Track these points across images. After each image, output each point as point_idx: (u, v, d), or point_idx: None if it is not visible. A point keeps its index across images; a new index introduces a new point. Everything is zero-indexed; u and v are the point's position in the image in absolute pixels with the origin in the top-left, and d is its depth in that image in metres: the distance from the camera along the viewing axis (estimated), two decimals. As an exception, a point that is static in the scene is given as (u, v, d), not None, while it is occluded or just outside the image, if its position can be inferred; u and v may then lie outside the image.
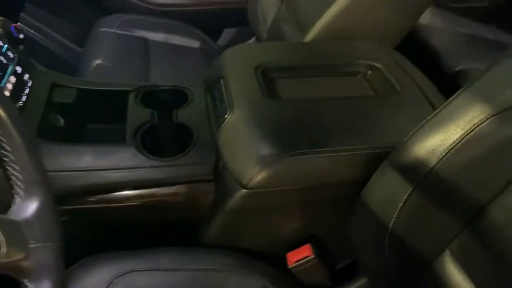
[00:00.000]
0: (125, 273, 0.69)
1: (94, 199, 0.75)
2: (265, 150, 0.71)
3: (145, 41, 1.42)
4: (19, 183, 0.45)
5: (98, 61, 1.24)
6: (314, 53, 0.97)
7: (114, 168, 0.75)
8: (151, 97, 0.91)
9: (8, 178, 0.45)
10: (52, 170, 0.66)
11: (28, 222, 0.44)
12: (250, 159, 0.72)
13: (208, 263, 0.74)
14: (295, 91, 0.85)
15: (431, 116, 0.65)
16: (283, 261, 0.80)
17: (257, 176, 0.70)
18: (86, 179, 0.73)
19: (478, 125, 0.58)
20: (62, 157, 0.74)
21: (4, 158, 0.45)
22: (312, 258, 0.78)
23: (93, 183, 0.74)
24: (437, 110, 0.64)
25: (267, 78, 0.86)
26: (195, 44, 1.46)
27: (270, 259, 0.79)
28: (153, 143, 0.80)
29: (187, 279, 0.72)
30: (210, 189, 0.78)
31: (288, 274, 0.79)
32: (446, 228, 0.64)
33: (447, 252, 0.65)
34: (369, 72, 0.91)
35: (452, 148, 0.60)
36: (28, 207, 0.44)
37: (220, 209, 0.76)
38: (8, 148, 0.44)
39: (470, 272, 0.62)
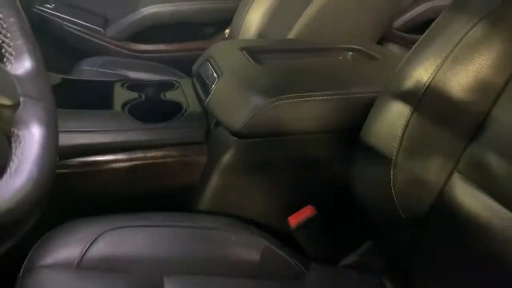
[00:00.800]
0: (115, 228, 0.63)
1: (83, 161, 0.70)
2: (254, 98, 0.70)
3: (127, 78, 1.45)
4: (9, 49, 0.42)
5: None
6: (297, 41, 1.01)
7: (103, 130, 0.72)
8: (137, 86, 0.90)
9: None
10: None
11: (19, 79, 0.41)
12: (241, 108, 0.70)
13: (206, 222, 0.69)
14: (281, 62, 0.87)
15: (418, 42, 0.67)
16: (284, 228, 0.75)
17: (249, 121, 0.68)
18: (74, 140, 0.70)
19: (466, 33, 0.61)
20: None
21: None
22: (315, 216, 0.73)
23: (81, 144, 0.70)
24: (422, 36, 0.66)
25: (253, 56, 0.88)
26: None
27: (270, 225, 0.74)
28: (141, 114, 0.78)
29: (183, 235, 0.65)
30: (202, 152, 0.75)
31: (290, 240, 0.74)
32: (452, 145, 0.62)
33: (455, 175, 0.62)
34: (350, 53, 0.94)
35: (444, 61, 0.61)
36: (20, 68, 0.42)
37: (215, 169, 0.72)
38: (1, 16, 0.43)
39: (482, 186, 0.59)
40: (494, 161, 0.58)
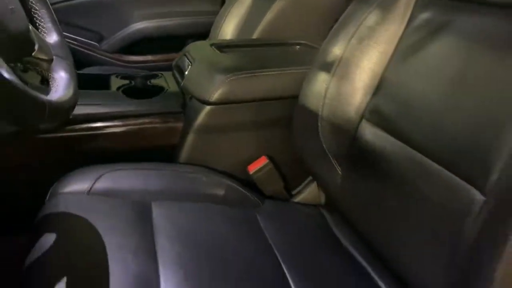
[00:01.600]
0: (115, 170, 0.85)
1: (89, 126, 0.93)
2: (218, 75, 0.94)
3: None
4: (43, 29, 0.66)
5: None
6: (256, 39, 1.26)
7: (104, 103, 0.95)
8: (129, 77, 1.14)
9: (36, 28, 0.66)
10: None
11: (52, 45, 0.64)
12: (208, 83, 0.94)
13: (185, 168, 0.91)
14: (240, 52, 1.11)
15: (333, 28, 0.90)
16: (245, 175, 0.97)
17: (218, 91, 0.92)
18: (82, 110, 0.92)
19: (366, 17, 0.84)
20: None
21: (34, 15, 0.67)
22: (268, 164, 0.96)
23: (87, 114, 0.93)
24: (337, 23, 0.90)
25: (220, 49, 1.12)
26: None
27: (234, 172, 0.96)
28: (132, 93, 1.01)
29: (167, 175, 0.88)
30: (180, 119, 0.98)
31: (250, 184, 0.96)
32: (359, 100, 0.85)
33: (363, 121, 0.85)
34: (297, 46, 1.19)
35: (351, 39, 0.85)
36: (51, 39, 0.65)
37: (190, 131, 0.95)
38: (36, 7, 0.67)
39: (382, 127, 0.81)
40: (387, 108, 0.81)
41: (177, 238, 0.72)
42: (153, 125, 0.97)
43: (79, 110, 0.92)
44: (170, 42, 1.93)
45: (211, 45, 1.12)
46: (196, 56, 1.04)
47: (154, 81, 1.09)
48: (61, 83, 0.58)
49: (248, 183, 0.96)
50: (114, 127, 0.94)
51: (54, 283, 0.58)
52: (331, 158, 0.88)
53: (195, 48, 1.12)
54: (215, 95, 0.92)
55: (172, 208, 0.80)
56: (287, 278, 0.71)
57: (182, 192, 0.85)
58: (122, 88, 1.02)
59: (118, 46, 1.87)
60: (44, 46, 0.62)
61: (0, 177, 0.86)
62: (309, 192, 0.99)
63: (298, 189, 1.00)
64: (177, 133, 0.97)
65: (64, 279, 0.58)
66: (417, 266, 0.64)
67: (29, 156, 0.91)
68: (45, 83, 0.60)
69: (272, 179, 0.97)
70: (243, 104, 0.94)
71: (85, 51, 1.83)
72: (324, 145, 0.88)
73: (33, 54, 0.58)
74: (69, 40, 1.82)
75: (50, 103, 0.52)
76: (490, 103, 0.57)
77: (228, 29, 1.63)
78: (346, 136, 0.86)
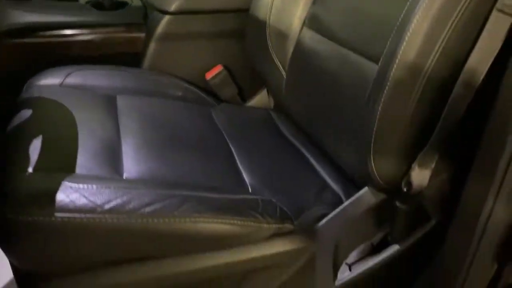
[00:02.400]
0: (84, 69, 0.95)
1: (59, 33, 1.02)
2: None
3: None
4: None
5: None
6: None
7: (74, 13, 1.04)
8: None
9: None
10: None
11: None
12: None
13: (149, 72, 1.03)
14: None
15: None
16: (203, 82, 1.09)
17: (176, 1, 1.02)
18: (53, 18, 1.01)
19: None
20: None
21: None
22: (222, 70, 1.08)
23: (58, 21, 1.02)
24: None
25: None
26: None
27: (192, 79, 1.08)
28: (100, 7, 1.11)
29: (130, 76, 0.99)
30: (142, 29, 1.09)
31: (208, 92, 1.08)
32: (301, 10, 0.96)
33: (304, 28, 0.97)
34: None
35: None
36: None
37: (152, 39, 1.06)
38: None
39: (316, 30, 0.93)
40: (322, 14, 0.93)
41: (137, 118, 0.84)
42: (118, 34, 1.07)
43: (51, 18, 1.02)
44: None
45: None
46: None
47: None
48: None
49: (206, 90, 1.08)
50: (82, 35, 1.04)
51: (28, 148, 0.69)
52: (278, 63, 1.00)
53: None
54: (173, 6, 1.02)
55: (134, 100, 0.92)
56: (233, 155, 0.84)
57: (145, 90, 0.97)
58: (90, 2, 1.11)
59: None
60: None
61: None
62: (260, 98, 1.12)
63: (251, 96, 1.13)
64: (140, 41, 1.08)
65: (40, 140, 0.69)
66: (340, 149, 0.78)
67: (4, 59, 1.00)
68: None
69: (226, 85, 1.10)
70: (200, 15, 1.05)
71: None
72: (271, 51, 1.00)
73: None
74: None
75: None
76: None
77: None
78: (290, 42, 0.98)
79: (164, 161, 0.74)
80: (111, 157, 0.71)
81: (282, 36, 0.98)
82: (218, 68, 1.08)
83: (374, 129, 0.62)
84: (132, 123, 0.81)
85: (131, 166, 0.70)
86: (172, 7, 1.02)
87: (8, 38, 0.99)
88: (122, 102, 0.89)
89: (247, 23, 1.04)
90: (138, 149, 0.75)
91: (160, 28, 1.04)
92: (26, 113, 0.77)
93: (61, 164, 0.65)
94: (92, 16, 1.05)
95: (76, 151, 0.68)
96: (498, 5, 0.57)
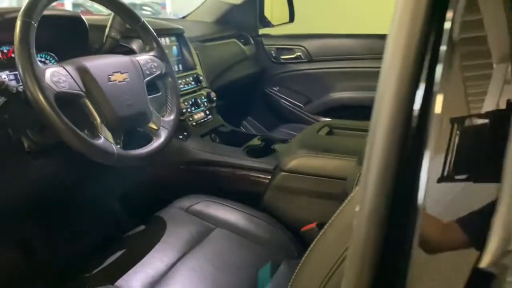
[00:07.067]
0: (207, 201, 1.27)
1: (201, 168, 1.40)
2: (298, 150, 1.24)
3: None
4: (169, 108, 1.16)
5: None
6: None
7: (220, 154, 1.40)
8: (268, 139, 1.55)
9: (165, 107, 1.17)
10: None
11: (163, 121, 1.13)
12: (288, 155, 1.25)
13: (257, 213, 1.26)
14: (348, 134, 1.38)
15: None
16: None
17: (288, 164, 1.23)
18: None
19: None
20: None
21: (167, 101, 1.17)
22: (315, 227, 1.20)
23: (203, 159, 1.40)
24: None
25: (331, 129, 1.40)
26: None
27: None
28: (251, 153, 1.43)
29: (240, 214, 1.24)
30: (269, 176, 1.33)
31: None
32: None
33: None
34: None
35: None
36: (166, 118, 1.14)
37: (269, 186, 1.29)
38: (169, 96, 1.17)
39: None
40: None
41: (205, 260, 1.08)
42: (251, 173, 1.35)
43: (204, 156, 1.41)
44: (363, 111, 2.21)
45: (327, 125, 1.42)
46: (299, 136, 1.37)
47: (276, 146, 1.46)
48: (154, 145, 1.05)
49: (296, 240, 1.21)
50: (222, 172, 1.38)
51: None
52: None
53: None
54: (288, 166, 1.23)
55: (227, 237, 1.16)
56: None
57: (244, 228, 1.19)
58: (247, 149, 1.44)
59: (318, 109, 2.30)
60: (156, 119, 1.10)
61: (142, 188, 1.42)
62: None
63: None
64: (264, 187, 1.32)
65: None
66: None
67: (163, 179, 1.45)
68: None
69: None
70: (305, 176, 1.22)
71: (291, 109, 2.34)
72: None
73: (148, 124, 1.08)
74: (283, 101, 2.38)
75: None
76: None
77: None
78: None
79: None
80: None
81: None
82: (312, 225, 1.20)
83: None
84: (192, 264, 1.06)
85: None
86: (286, 167, 1.23)
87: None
88: (213, 235, 1.15)
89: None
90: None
91: (275, 180, 1.26)
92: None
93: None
94: (238, 159, 1.38)
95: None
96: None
